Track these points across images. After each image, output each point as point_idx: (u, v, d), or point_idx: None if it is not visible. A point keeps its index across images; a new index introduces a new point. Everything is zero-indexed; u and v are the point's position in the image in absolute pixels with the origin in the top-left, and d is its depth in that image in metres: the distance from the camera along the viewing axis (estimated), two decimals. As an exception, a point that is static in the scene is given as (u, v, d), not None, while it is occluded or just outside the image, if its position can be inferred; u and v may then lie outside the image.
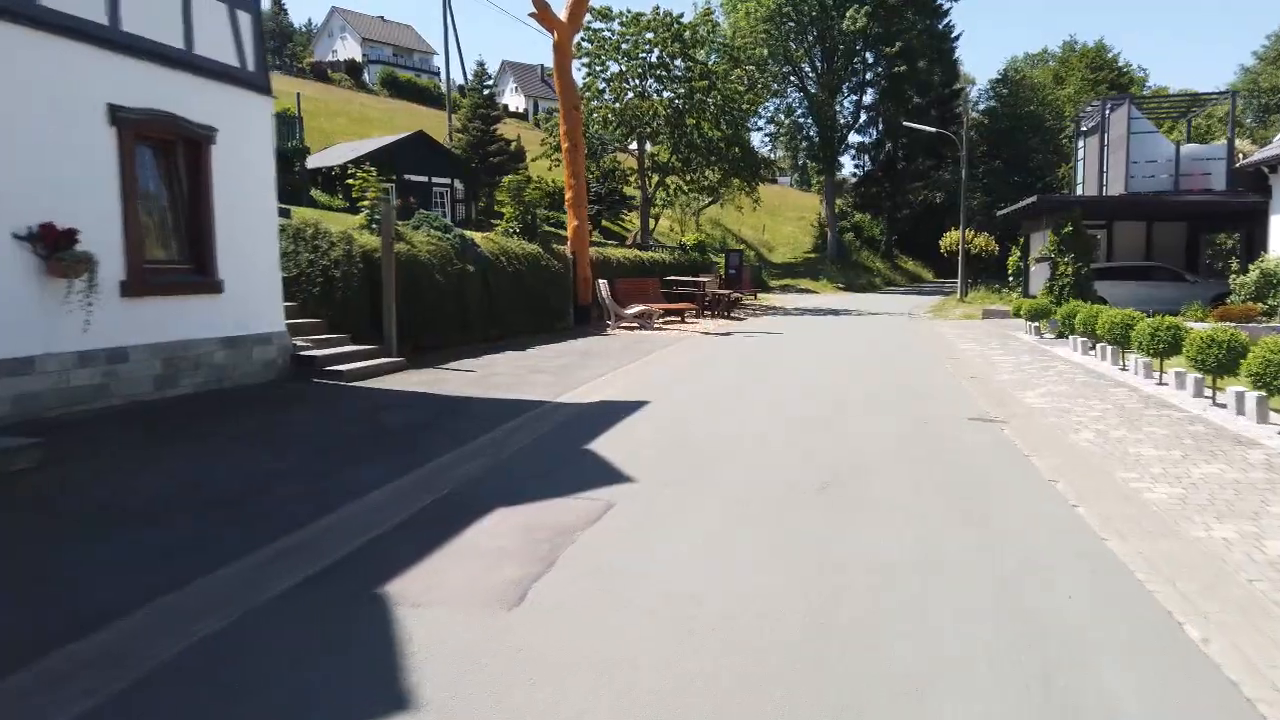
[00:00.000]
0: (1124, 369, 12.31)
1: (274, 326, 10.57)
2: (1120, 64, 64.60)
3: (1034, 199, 21.85)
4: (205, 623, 3.90)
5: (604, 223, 42.88)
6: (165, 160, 9.14)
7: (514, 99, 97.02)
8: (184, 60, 9.05)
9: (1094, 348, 14.02)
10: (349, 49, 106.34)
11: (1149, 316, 11.88)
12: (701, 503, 5.90)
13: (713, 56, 30.86)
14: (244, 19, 9.95)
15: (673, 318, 23.19)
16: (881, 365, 13.90)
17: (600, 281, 20.17)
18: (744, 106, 33.17)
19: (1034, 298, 24.27)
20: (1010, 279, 28.03)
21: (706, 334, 19.72)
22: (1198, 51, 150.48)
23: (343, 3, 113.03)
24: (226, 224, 9.73)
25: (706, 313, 25.16)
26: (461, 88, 39.96)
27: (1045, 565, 4.71)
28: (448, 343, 14.00)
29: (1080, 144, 27.43)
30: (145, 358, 8.67)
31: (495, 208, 36.94)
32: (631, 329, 19.88)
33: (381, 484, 6.14)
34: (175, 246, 9.33)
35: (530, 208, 18.68)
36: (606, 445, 7.70)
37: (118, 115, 8.20)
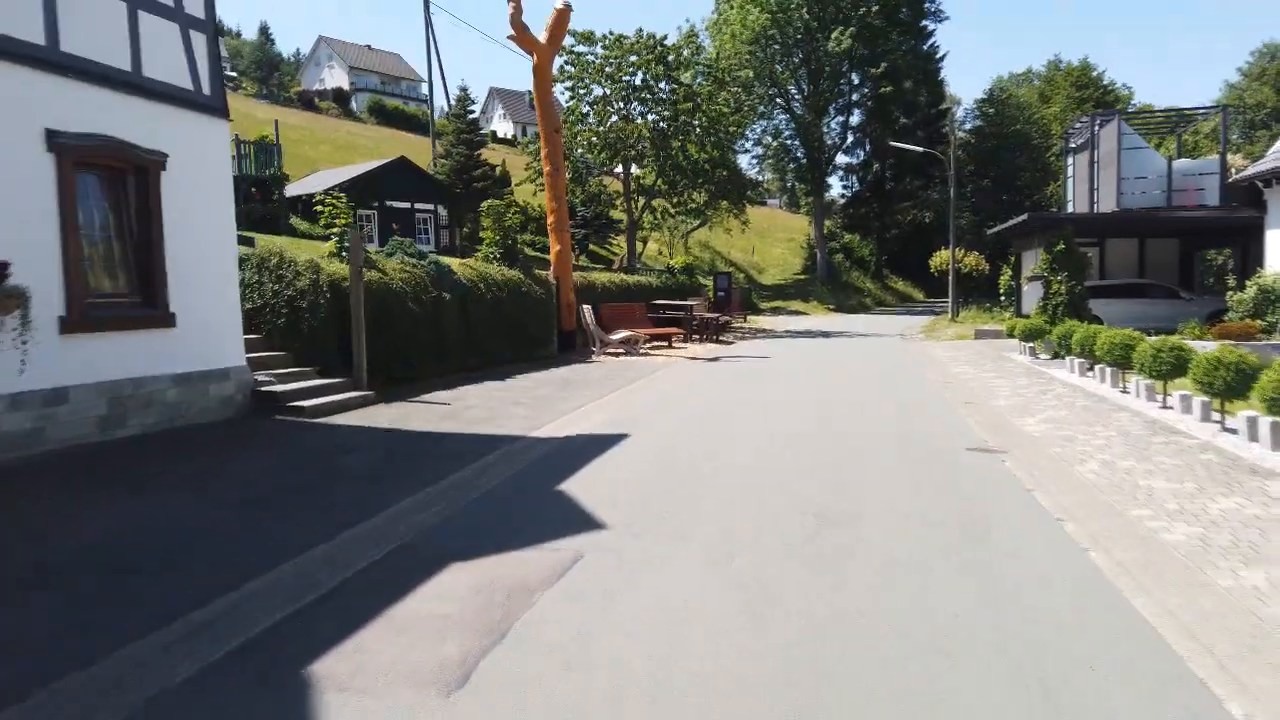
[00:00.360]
0: (1125, 392, 11.82)
1: (232, 361, 10.01)
2: (1105, 82, 64.82)
3: (1025, 217, 21.50)
4: (96, 718, 3.35)
5: (591, 247, 42.49)
6: (111, 188, 8.61)
7: (502, 125, 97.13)
8: (131, 83, 8.55)
9: (1092, 369, 13.55)
10: (336, 77, 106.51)
11: (1149, 335, 11.42)
12: (678, 554, 5.35)
13: (698, 78, 30.58)
14: (198, 40, 9.47)
15: (660, 343, 22.69)
16: (873, 390, 13.40)
17: (584, 307, 19.68)
18: (730, 128, 32.91)
19: (1027, 317, 23.90)
20: (1002, 298, 27.64)
21: (694, 359, 19.22)
22: (1181, 70, 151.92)
23: (330, 31, 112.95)
24: (179, 254, 9.20)
25: (695, 337, 24.68)
26: (446, 114, 39.76)
27: (1062, 627, 4.17)
28: (423, 374, 13.45)
29: (1069, 161, 27.16)
30: (88, 398, 8.10)
31: (480, 233, 36.65)
32: (617, 355, 19.37)
33: (325, 539, 5.58)
34: (123, 279, 8.79)
35: (510, 232, 18.21)
36: (580, 485, 7.15)
37: (56, 141, 7.69)
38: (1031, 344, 17.58)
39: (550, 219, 20.16)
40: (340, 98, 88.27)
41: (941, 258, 45.20)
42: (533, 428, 9.79)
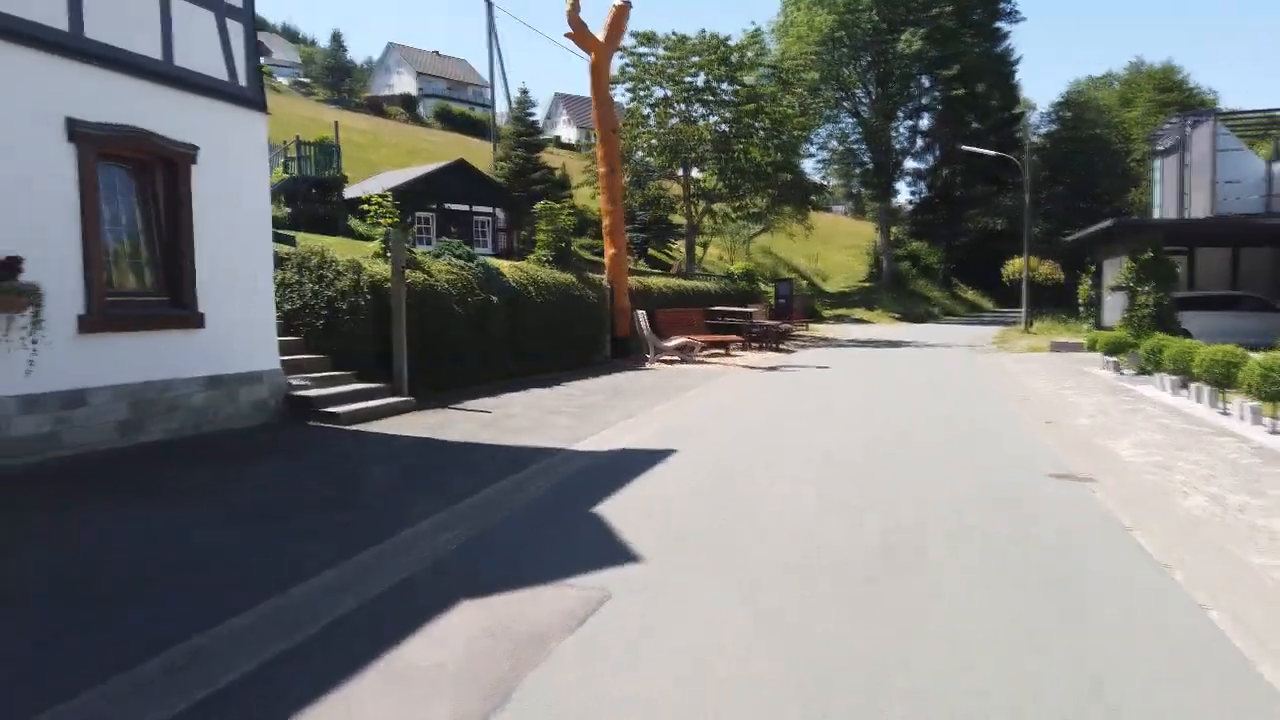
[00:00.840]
0: (1225, 414, 10.74)
1: (265, 364, 9.63)
2: (1190, 85, 62.06)
3: (1109, 223, 20.24)
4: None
5: (650, 251, 41.92)
6: (138, 181, 8.27)
7: (566, 130, 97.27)
8: (160, 72, 8.20)
9: (1185, 387, 12.45)
10: (405, 83, 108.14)
11: (1256, 351, 10.36)
12: (720, 598, 4.67)
13: (762, 79, 29.79)
14: (234, 28, 9.11)
15: (717, 350, 21.98)
16: (942, 406, 12.51)
17: (639, 313, 19.07)
18: (794, 131, 32.04)
19: (1108, 329, 22.58)
20: (1081, 309, 26.26)
21: (751, 368, 18.47)
22: (1269, 73, 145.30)
23: (400, 38, 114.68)
24: (210, 252, 8.83)
25: (754, 345, 23.90)
26: (508, 117, 39.60)
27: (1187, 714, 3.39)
28: (467, 379, 12.98)
29: (1156, 165, 25.67)
30: (108, 401, 7.74)
31: (534, 236, 36.50)
32: (672, 362, 18.71)
33: (334, 563, 5.04)
34: (149, 277, 8.45)
35: (564, 235, 17.70)
36: (617, 508, 6.52)
37: (77, 130, 7.34)
38: (1115, 358, 16.43)
39: (605, 221, 19.62)
40: (408, 103, 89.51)
41: (1014, 266, 43.56)
42: (575, 439, 9.19)
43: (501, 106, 44.45)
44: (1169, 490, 7.08)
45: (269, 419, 9.57)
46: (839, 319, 43.98)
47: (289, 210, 25.37)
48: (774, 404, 12.72)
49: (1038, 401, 12.82)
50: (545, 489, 7.16)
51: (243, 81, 9.26)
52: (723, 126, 28.80)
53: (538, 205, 17.78)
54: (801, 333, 32.61)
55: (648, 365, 18.22)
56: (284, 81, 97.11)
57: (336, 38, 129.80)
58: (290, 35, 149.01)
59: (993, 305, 64.48)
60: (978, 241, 64.88)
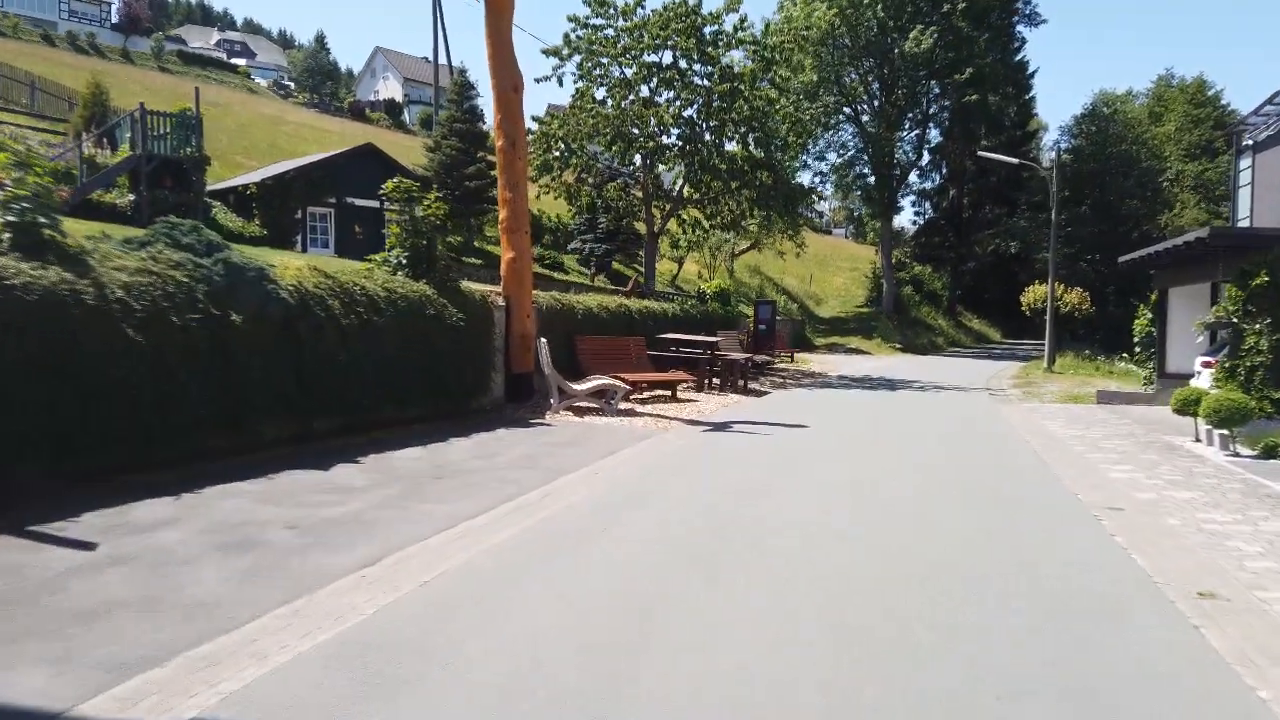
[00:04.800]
0: None
1: None
2: (1223, 102, 56.90)
3: (1197, 234, 14.84)
4: None
5: (616, 265, 36.57)
6: None
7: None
8: None
9: None
10: (391, 89, 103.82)
11: None
12: None
13: (739, 56, 24.50)
14: None
15: (661, 390, 16.56)
16: (981, 522, 7.06)
17: (540, 342, 13.66)
18: (783, 124, 26.71)
19: (1175, 377, 17.22)
20: (1137, 348, 20.82)
21: (694, 424, 13.04)
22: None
23: (387, 43, 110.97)
24: None
25: (713, 384, 18.47)
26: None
27: None
28: (151, 456, 7.50)
29: (1243, 164, 20.30)
30: None
31: (472, 240, 31.11)
32: (585, 413, 13.29)
33: None
34: None
35: (424, 231, 12.32)
36: None
37: None
38: (1224, 430, 11.01)
39: (502, 214, 14.27)
40: (391, 109, 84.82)
41: (1035, 294, 38.27)
42: (105, 681, 3.77)
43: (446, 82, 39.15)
44: None
45: None
46: (832, 348, 38.61)
47: (132, 198, 20.05)
48: (696, 507, 7.27)
49: (1143, 518, 7.36)
50: None
51: None
52: (690, 113, 23.42)
53: (387, 184, 12.37)
54: (785, 366, 27.19)
55: (548, 417, 12.79)
56: (261, 83, 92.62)
57: (320, 39, 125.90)
58: (286, 42, 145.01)
59: (1000, 336, 59.28)
60: (987, 267, 59.83)
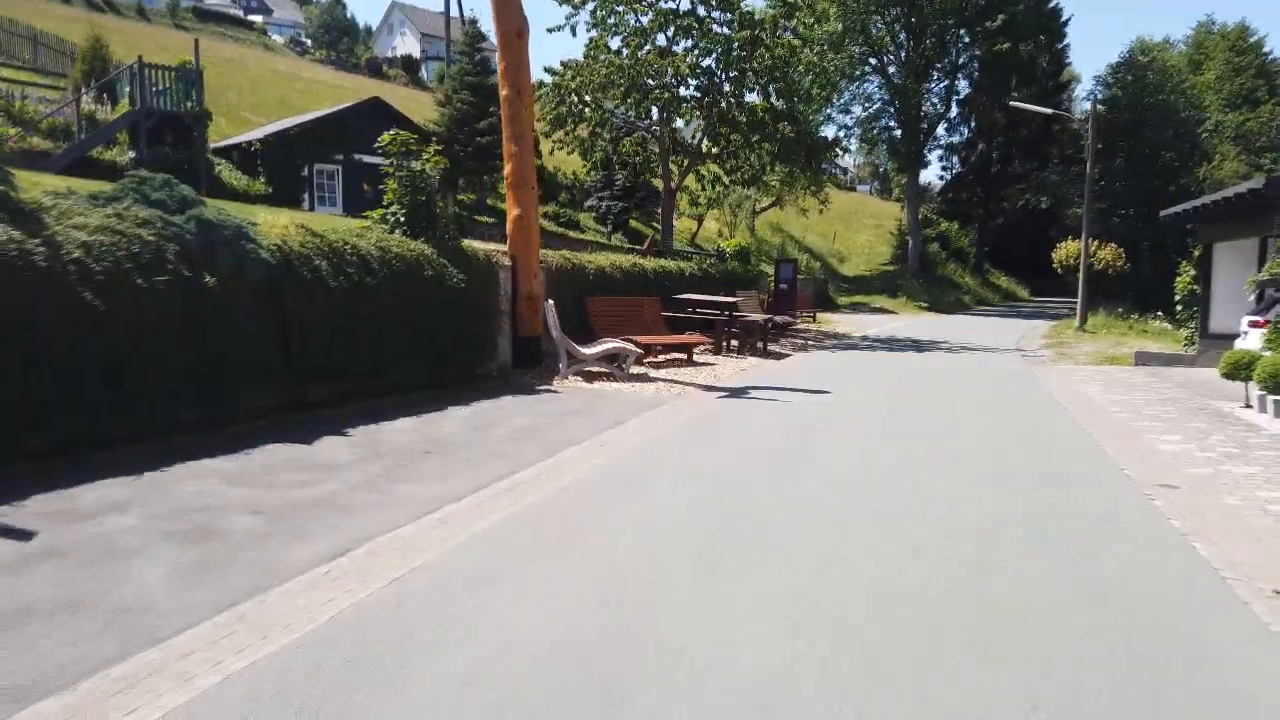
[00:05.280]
0: None
1: None
2: (1266, 49, 54.55)
3: (1250, 186, 13.86)
4: None
5: (633, 223, 35.72)
6: None
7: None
8: None
9: None
10: (408, 45, 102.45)
11: None
12: None
13: (760, 3, 23.39)
14: None
15: (676, 355, 15.90)
16: (1015, 508, 6.39)
17: (548, 304, 13.00)
18: (806, 75, 25.62)
19: (1218, 338, 16.37)
20: (1178, 307, 19.85)
21: (710, 389, 12.39)
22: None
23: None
24: None
25: (731, 347, 17.77)
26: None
27: None
28: (117, 431, 6.96)
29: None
30: None
31: (485, 198, 30.28)
32: (595, 378, 12.67)
33: None
34: None
35: (423, 187, 11.63)
36: None
37: None
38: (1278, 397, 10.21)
39: (507, 168, 13.52)
40: (409, 65, 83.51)
41: (1068, 250, 37.04)
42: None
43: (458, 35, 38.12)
44: None
45: None
46: (856, 307, 37.69)
47: (132, 155, 19.45)
48: (709, 485, 6.64)
49: (1213, 513, 6.65)
50: None
51: None
52: (708, 61, 22.40)
53: (384, 137, 11.68)
54: (807, 326, 26.41)
55: (555, 384, 12.18)
56: (278, 39, 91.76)
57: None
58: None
59: (1028, 294, 57.92)
60: (1015, 223, 58.29)
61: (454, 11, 45.91)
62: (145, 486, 5.98)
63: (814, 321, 28.00)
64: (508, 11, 13.12)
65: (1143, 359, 17.66)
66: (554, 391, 11.58)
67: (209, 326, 7.66)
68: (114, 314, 6.77)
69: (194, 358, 7.53)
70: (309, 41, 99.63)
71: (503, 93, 13.50)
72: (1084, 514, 6.26)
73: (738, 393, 12.17)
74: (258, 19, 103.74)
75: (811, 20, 26.51)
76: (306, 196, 23.47)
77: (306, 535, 5.19)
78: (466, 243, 12.46)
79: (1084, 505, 6.52)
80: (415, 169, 11.58)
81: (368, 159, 24.22)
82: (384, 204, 11.79)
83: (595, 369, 13.07)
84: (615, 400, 11.02)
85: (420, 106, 39.51)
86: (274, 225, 9.03)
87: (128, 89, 20.42)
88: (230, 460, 6.81)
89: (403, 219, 11.54)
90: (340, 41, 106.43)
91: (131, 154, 19.28)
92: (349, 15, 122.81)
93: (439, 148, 12.25)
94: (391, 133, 11.76)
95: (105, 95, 21.18)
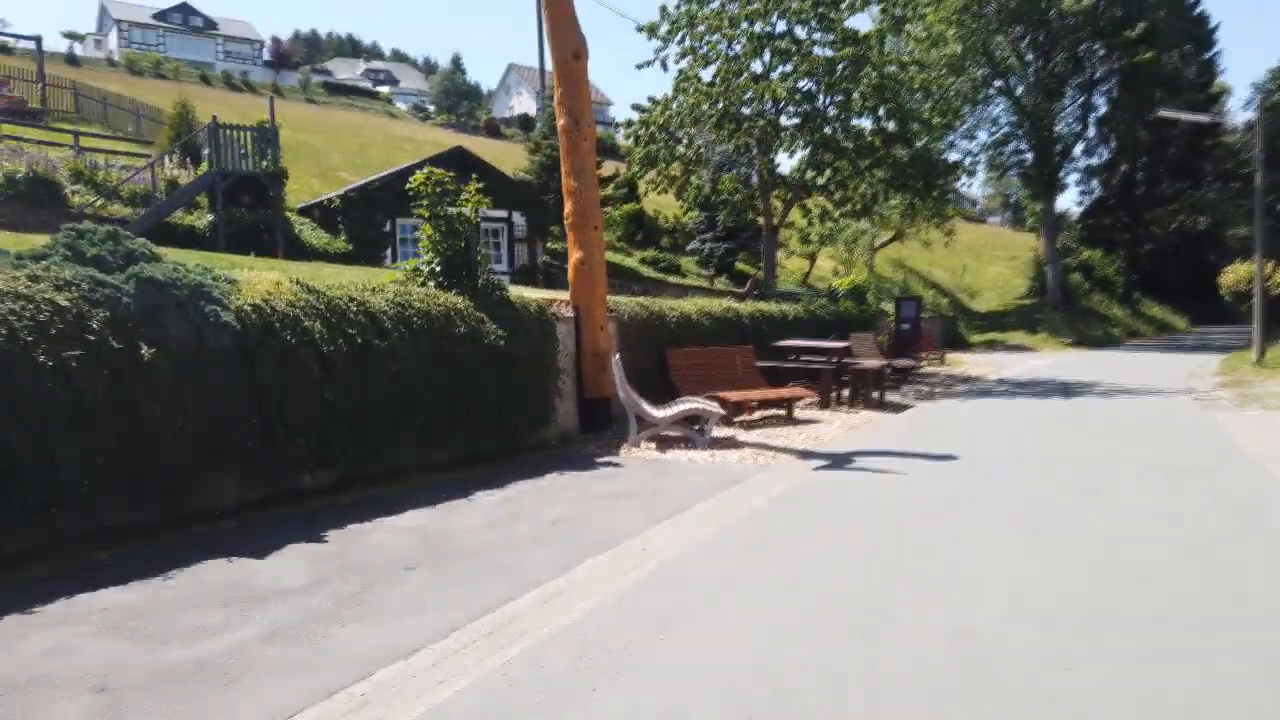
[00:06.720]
0: None
1: None
2: None
3: None
4: None
5: (739, 266, 33.71)
6: None
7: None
8: None
9: None
10: (524, 104, 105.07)
11: None
12: None
13: (865, 21, 21.35)
14: None
15: (775, 411, 13.79)
16: (1227, 673, 4.05)
17: (615, 359, 11.18)
18: (924, 102, 23.27)
19: None
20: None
21: (806, 456, 10.22)
22: None
23: (520, 60, 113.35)
24: None
25: (840, 398, 15.47)
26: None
27: None
28: (8, 552, 5.50)
29: None
30: None
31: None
32: (675, 444, 10.72)
33: None
34: None
35: (463, 232, 10.11)
36: None
37: None
38: None
39: (567, 206, 11.91)
40: (525, 124, 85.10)
41: (1237, 274, 32.82)
42: None
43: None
44: None
45: None
46: (991, 345, 34.37)
47: (210, 219, 18.94)
48: (740, 671, 4.60)
49: None
50: None
51: None
52: (805, 83, 20.39)
53: (415, 177, 10.23)
54: (934, 369, 23.66)
55: (621, 454, 10.30)
56: (402, 107, 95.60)
57: (456, 61, 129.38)
58: (429, 68, 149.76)
59: (1186, 324, 52.52)
60: (1167, 247, 53.21)
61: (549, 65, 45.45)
62: (-18, 639, 4.40)
63: (942, 363, 25.18)
64: (564, 32, 11.59)
65: (1357, 401, 14.35)
66: (616, 465, 9.70)
67: (145, 408, 6.16)
68: (1, 401, 5.33)
69: (122, 448, 6.02)
70: (432, 107, 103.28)
71: (560, 122, 11.95)
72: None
73: (839, 461, 9.96)
74: (384, 89, 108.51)
75: (926, 40, 24.18)
76: (389, 252, 22.72)
77: (130, 739, 3.44)
78: (516, 292, 10.83)
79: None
80: (450, 213, 10.06)
81: (451, 211, 23.26)
82: (420, 252, 10.33)
83: (672, 433, 11.12)
84: (685, 475, 9.04)
85: (524, 159, 39.05)
86: (258, 282, 7.56)
87: (205, 151, 20.18)
88: (135, 590, 5.19)
89: (438, 269, 10.02)
90: (460, 105, 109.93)
91: (210, 217, 18.86)
92: (469, 80, 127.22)
93: (480, 185, 10.67)
94: (424, 171, 10.30)
95: (189, 160, 21.06)
